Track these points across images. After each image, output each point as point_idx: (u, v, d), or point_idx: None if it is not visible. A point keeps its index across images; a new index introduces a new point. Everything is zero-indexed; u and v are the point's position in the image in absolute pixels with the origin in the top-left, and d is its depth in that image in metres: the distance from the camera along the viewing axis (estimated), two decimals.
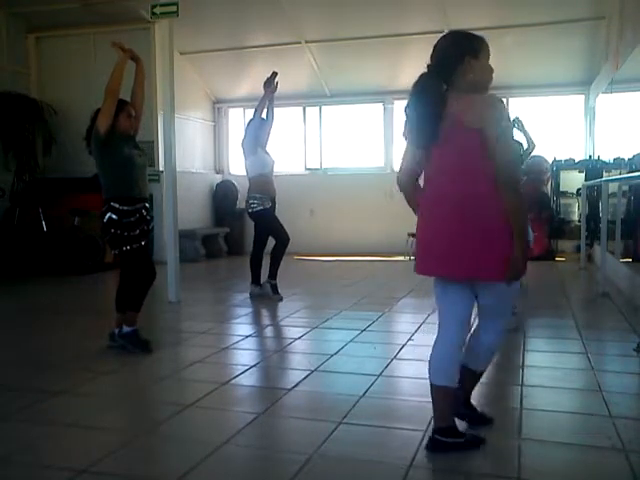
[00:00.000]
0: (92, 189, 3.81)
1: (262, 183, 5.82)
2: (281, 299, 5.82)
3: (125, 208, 3.82)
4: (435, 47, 2.31)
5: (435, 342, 2.40)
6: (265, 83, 5.90)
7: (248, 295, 5.94)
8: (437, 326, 2.42)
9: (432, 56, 2.30)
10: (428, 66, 2.29)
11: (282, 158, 10.28)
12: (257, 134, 5.87)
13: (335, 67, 9.65)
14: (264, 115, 5.97)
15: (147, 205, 4.00)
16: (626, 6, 6.94)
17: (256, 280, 5.98)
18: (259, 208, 5.80)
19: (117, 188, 3.84)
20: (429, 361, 2.39)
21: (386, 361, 3.65)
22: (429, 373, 2.39)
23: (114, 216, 3.80)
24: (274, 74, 5.91)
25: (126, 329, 3.96)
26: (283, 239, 5.92)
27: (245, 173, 6.03)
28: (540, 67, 8.63)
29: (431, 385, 2.38)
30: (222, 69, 10.12)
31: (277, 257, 5.95)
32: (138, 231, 3.89)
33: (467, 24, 6.06)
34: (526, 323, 4.67)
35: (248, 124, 6.01)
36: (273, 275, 5.92)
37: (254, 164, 5.85)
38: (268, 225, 5.90)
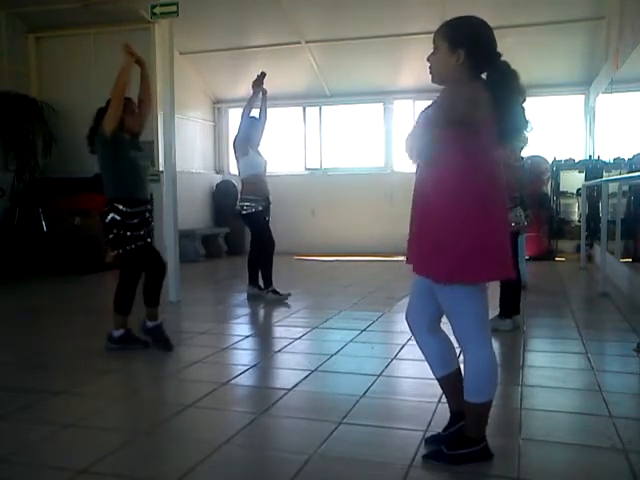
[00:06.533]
0: (92, 189, 3.81)
1: (255, 184, 5.76)
2: (289, 294, 5.80)
3: (128, 210, 3.81)
4: None
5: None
6: (254, 83, 5.78)
7: (246, 297, 5.91)
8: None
9: None
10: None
11: (282, 158, 10.32)
12: (249, 134, 5.79)
13: (335, 67, 9.64)
14: (256, 114, 5.88)
15: (149, 207, 4.00)
16: (626, 6, 6.93)
17: (254, 281, 5.91)
18: (251, 211, 5.73)
19: (121, 189, 3.83)
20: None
21: (386, 361, 3.65)
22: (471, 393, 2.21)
23: (117, 217, 3.79)
24: (262, 74, 5.79)
25: (149, 324, 4.01)
26: (267, 244, 5.82)
27: (237, 173, 5.98)
28: (540, 67, 8.60)
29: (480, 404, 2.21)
30: (222, 69, 10.11)
31: (265, 263, 5.84)
32: (142, 231, 3.90)
33: None
34: (526, 323, 4.68)
35: (239, 125, 5.88)
36: (269, 282, 5.82)
37: (246, 165, 5.79)
38: (257, 227, 5.82)
